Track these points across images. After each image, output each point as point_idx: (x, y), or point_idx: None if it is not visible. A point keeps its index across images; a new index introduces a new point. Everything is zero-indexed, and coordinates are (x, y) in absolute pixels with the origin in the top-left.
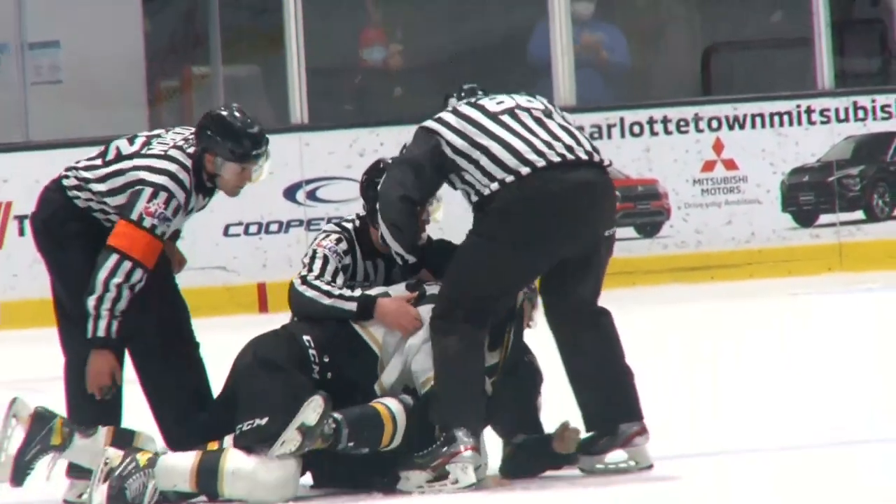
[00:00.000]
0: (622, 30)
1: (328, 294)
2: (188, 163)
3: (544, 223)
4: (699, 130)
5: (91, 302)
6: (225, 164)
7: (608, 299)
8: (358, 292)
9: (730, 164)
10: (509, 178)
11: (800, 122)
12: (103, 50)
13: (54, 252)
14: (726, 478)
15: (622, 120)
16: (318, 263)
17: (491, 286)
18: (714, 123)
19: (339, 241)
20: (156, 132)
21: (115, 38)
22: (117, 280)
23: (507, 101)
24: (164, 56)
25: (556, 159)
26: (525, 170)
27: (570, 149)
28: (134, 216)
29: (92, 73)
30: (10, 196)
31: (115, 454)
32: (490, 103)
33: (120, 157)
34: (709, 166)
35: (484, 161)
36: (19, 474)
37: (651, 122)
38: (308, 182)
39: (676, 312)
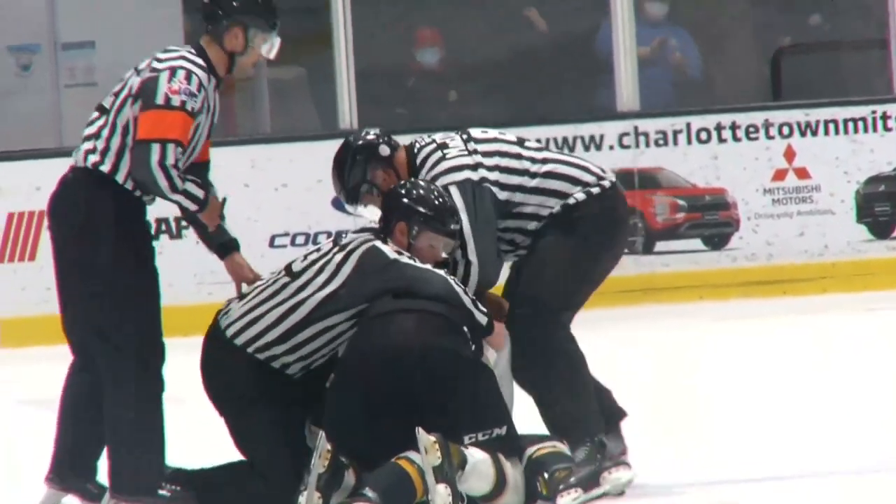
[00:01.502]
0: (690, 33)
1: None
2: (192, 50)
3: (624, 233)
4: (769, 137)
5: (173, 194)
6: (257, 35)
7: (676, 314)
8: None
9: (802, 173)
10: (594, 190)
11: (875, 129)
12: (141, 51)
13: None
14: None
15: (689, 126)
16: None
17: (583, 289)
18: (785, 130)
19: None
20: None
21: (154, 38)
22: (170, 162)
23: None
24: None
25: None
26: (606, 182)
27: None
28: (159, 101)
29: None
30: (44, 205)
31: None
32: (494, 133)
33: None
34: (780, 175)
35: (550, 183)
36: None
37: (719, 128)
38: None
39: (746, 328)
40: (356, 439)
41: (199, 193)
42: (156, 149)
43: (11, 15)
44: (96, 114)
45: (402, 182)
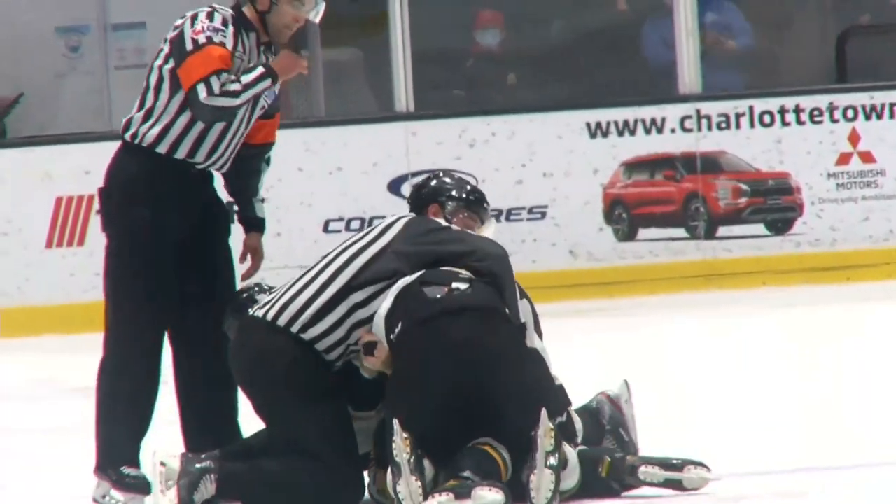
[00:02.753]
0: (749, 12)
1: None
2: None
3: None
4: (834, 120)
5: (239, 101)
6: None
7: (738, 301)
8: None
9: (866, 157)
10: None
11: None
12: None
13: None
14: (857, 491)
15: (751, 109)
16: None
17: None
18: (850, 113)
19: None
20: None
21: None
22: (217, 89)
23: None
24: None
25: None
26: None
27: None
28: (188, 46)
29: None
30: (93, 189)
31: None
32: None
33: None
34: (844, 159)
35: None
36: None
37: (783, 111)
38: (414, 174)
39: (810, 315)
40: (428, 430)
41: (260, 72)
42: (200, 89)
43: None
44: (143, 86)
45: (430, 175)
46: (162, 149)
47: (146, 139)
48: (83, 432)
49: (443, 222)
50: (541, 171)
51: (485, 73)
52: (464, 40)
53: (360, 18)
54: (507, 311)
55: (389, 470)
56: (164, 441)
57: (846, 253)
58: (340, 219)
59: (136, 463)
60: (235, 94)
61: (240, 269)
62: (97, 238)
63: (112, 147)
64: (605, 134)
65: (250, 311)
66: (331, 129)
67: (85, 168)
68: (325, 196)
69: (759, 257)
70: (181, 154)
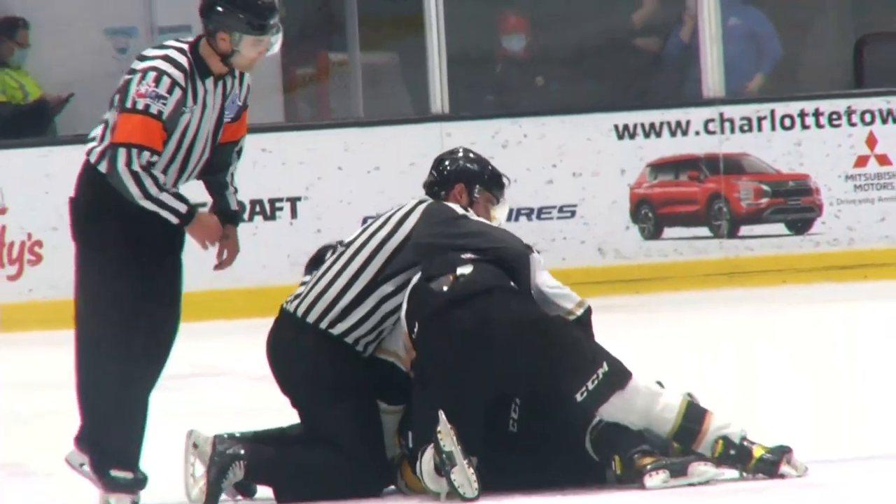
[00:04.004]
0: (771, 18)
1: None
2: (184, 46)
3: None
4: (852, 124)
5: (144, 200)
6: (243, 39)
7: (759, 298)
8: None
9: (883, 160)
10: None
11: None
12: None
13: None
14: (875, 483)
15: (773, 112)
16: None
17: None
18: (867, 117)
19: None
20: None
21: None
22: (136, 167)
23: None
24: (299, 42)
25: None
26: None
27: None
28: (128, 104)
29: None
30: None
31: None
32: None
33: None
34: (862, 161)
35: None
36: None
37: (803, 115)
38: None
39: (828, 312)
40: (465, 422)
41: (180, 206)
42: (121, 152)
43: None
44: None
45: (454, 149)
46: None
47: (98, 165)
48: None
49: (459, 209)
50: (570, 171)
51: (513, 76)
52: (495, 44)
53: (397, 22)
54: (512, 284)
55: (429, 461)
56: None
57: (863, 252)
58: (378, 217)
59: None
60: (144, 194)
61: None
62: None
63: None
64: (633, 136)
65: (287, 303)
66: (369, 129)
67: None
68: (363, 194)
69: (779, 256)
70: None
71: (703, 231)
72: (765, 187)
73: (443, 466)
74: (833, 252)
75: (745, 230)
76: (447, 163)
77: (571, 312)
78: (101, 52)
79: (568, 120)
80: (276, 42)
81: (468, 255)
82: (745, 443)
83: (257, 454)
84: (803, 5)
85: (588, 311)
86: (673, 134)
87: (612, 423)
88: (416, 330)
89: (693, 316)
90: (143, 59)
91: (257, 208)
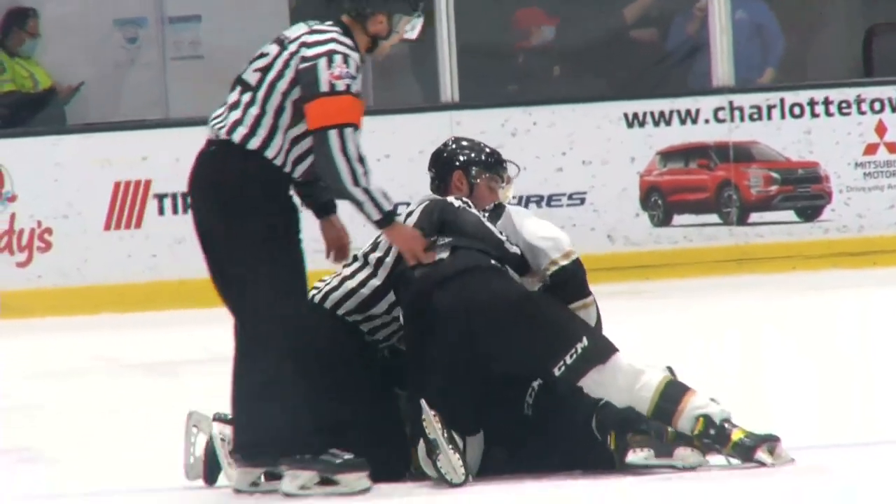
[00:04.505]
0: (779, 8)
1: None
2: (338, 28)
3: None
4: (861, 112)
5: (354, 188)
6: (401, 20)
7: (769, 284)
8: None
9: (892, 148)
10: None
11: None
12: (246, 25)
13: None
14: (880, 468)
15: (782, 101)
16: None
17: None
18: (876, 105)
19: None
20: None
21: (259, 13)
22: (352, 152)
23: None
24: None
25: None
26: None
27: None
28: (324, 88)
29: (234, 48)
30: (150, 174)
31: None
32: None
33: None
34: (871, 149)
35: None
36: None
37: (812, 103)
38: None
39: (838, 299)
40: (451, 404)
41: (385, 204)
42: (333, 135)
43: None
44: (238, 88)
45: (444, 142)
46: (278, 161)
47: (265, 151)
48: (139, 408)
49: (455, 202)
50: (580, 159)
51: (527, 65)
52: (507, 34)
53: None
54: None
55: (422, 447)
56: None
57: (872, 239)
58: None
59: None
60: (355, 181)
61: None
62: (154, 221)
63: (169, 134)
64: (642, 124)
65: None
66: (379, 118)
67: (142, 154)
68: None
69: (789, 243)
70: (288, 169)
71: (713, 218)
72: (774, 175)
73: (430, 454)
74: (842, 239)
75: (754, 217)
76: (443, 155)
77: (555, 262)
78: (110, 41)
79: (578, 108)
80: (419, 25)
81: (446, 240)
82: (727, 425)
83: None
84: None
85: (576, 263)
86: (683, 122)
87: (616, 405)
88: (401, 316)
89: (702, 302)
90: (309, 45)
91: None
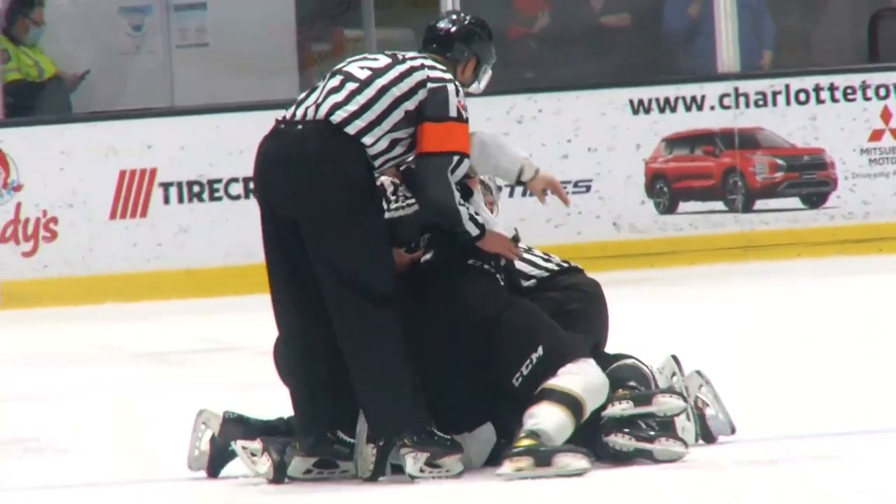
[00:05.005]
0: None
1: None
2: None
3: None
4: (866, 98)
5: (462, 209)
6: (487, 72)
7: (774, 271)
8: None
9: None
10: None
11: None
12: (252, 12)
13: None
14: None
15: (787, 87)
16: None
17: None
18: (882, 91)
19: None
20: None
21: (265, 0)
22: (459, 176)
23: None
24: (314, 19)
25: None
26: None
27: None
28: (453, 112)
29: (240, 36)
30: (155, 163)
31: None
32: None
33: (374, 76)
34: (877, 135)
35: None
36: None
37: (817, 89)
38: None
39: (843, 285)
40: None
41: (479, 217)
42: (455, 161)
43: None
44: (338, 77)
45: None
46: (372, 151)
47: (372, 148)
48: (145, 398)
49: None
50: (585, 146)
51: (530, 52)
52: (510, 19)
53: None
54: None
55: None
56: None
57: (878, 226)
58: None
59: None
60: (453, 206)
61: None
62: (159, 210)
63: (175, 122)
64: (647, 111)
65: None
66: None
67: (148, 143)
68: None
69: (794, 230)
70: (376, 164)
71: (718, 205)
72: (780, 161)
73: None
74: (848, 226)
75: (759, 204)
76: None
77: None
78: (116, 29)
79: (583, 95)
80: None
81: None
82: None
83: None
84: None
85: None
86: (688, 109)
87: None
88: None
89: (708, 289)
90: (432, 68)
91: None
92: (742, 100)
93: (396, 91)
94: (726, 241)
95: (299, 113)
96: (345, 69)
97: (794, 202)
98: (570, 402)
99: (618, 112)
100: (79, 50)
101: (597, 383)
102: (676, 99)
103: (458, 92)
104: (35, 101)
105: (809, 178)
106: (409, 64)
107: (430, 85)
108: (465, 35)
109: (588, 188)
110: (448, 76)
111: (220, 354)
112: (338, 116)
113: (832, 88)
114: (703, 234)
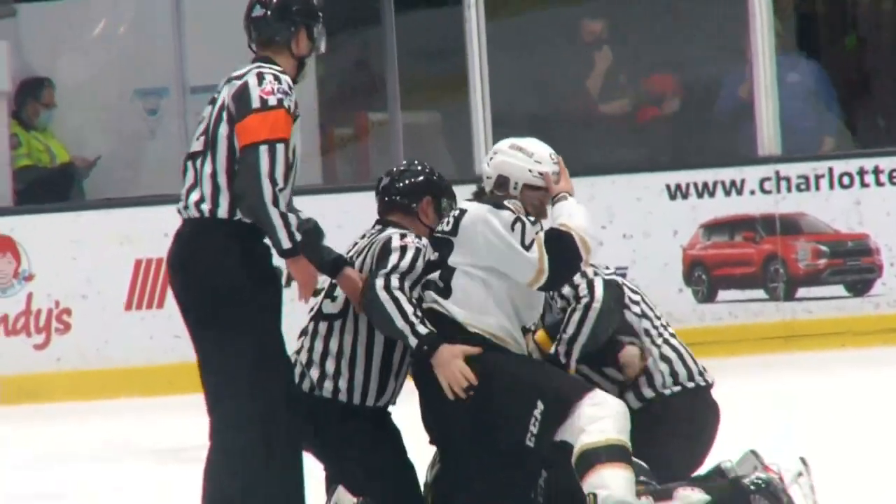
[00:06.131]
0: (829, 73)
1: (404, 315)
2: (263, 63)
3: None
4: None
5: (272, 208)
6: (321, 35)
7: (818, 362)
8: (425, 330)
9: None
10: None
11: None
12: None
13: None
14: None
15: (831, 170)
16: (406, 263)
17: None
18: None
19: (418, 237)
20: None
21: None
22: (280, 170)
23: None
24: (338, 102)
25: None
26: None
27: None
28: (255, 104)
29: None
30: None
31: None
32: None
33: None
34: None
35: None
36: None
37: (861, 172)
38: None
39: (889, 376)
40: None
41: (297, 234)
42: (264, 152)
43: (140, 58)
44: (189, 163)
45: (410, 163)
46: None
47: (235, 215)
48: (167, 498)
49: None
50: (621, 232)
51: (565, 135)
52: (541, 103)
53: (439, 81)
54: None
55: None
56: None
57: None
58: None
59: None
60: (276, 199)
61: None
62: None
63: None
64: (685, 196)
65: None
66: None
67: (164, 231)
68: None
69: (838, 318)
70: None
71: (759, 293)
72: (823, 248)
73: None
74: (894, 314)
75: (802, 292)
76: (419, 179)
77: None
78: (130, 113)
79: (618, 180)
80: (325, 35)
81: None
82: None
83: None
84: (861, 60)
85: (551, 270)
86: (727, 193)
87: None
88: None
89: (750, 381)
90: (235, 78)
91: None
92: (783, 184)
93: (223, 129)
94: (767, 330)
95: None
96: (190, 151)
97: (839, 290)
98: (620, 454)
99: (654, 197)
100: (91, 134)
101: (620, 413)
102: (715, 183)
103: (261, 80)
104: (48, 189)
105: (854, 265)
106: (220, 97)
107: (233, 92)
108: (281, 11)
109: (624, 276)
110: (252, 71)
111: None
112: (205, 209)
113: (877, 171)
114: (743, 323)
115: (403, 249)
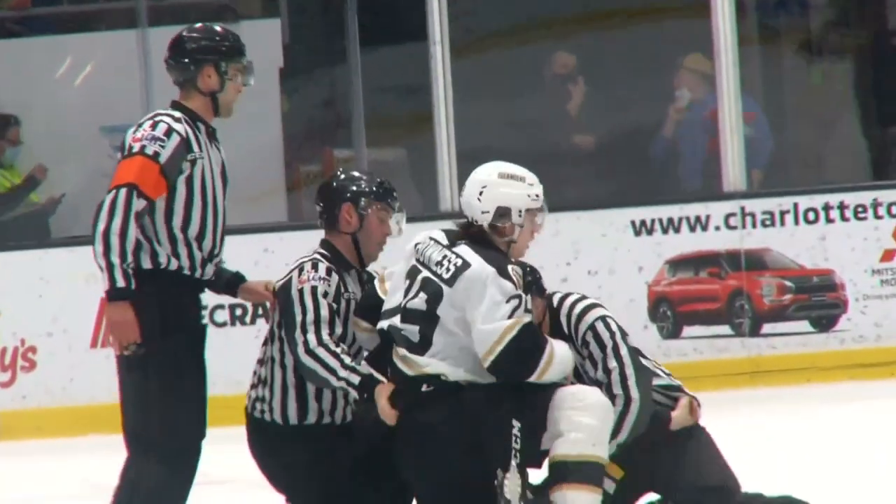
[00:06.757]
0: (792, 110)
1: (334, 374)
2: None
3: None
4: (878, 217)
5: (101, 259)
6: (231, 67)
7: (782, 398)
8: (364, 369)
9: None
10: None
11: None
12: (237, 132)
13: None
14: None
15: (796, 206)
16: (310, 313)
17: None
18: (894, 209)
19: (315, 265)
20: None
21: (251, 120)
22: (119, 217)
23: None
24: (303, 140)
25: None
26: None
27: None
28: (124, 152)
29: (225, 156)
30: None
31: None
32: None
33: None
34: (888, 255)
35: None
36: None
37: (827, 208)
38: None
39: (854, 412)
40: None
41: (121, 281)
42: (114, 195)
43: (106, 96)
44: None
45: (333, 174)
46: (180, 264)
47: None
48: None
49: (305, 277)
50: (585, 269)
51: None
52: (506, 139)
53: (405, 118)
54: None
55: None
56: None
57: (890, 349)
58: None
59: None
60: (109, 246)
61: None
62: None
63: None
64: (650, 231)
65: None
66: None
67: None
68: None
69: (803, 354)
70: (174, 266)
71: (725, 329)
72: (788, 283)
73: None
74: (859, 349)
75: (767, 328)
76: (332, 187)
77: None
78: (97, 150)
79: (583, 216)
80: (251, 68)
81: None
82: None
83: None
84: (826, 96)
85: (505, 350)
86: (692, 229)
87: None
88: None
89: (715, 417)
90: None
91: (260, 310)
92: (749, 219)
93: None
94: (733, 366)
95: None
96: None
97: (804, 325)
98: (588, 474)
99: (619, 233)
100: (58, 172)
101: (600, 416)
102: (680, 219)
103: (138, 129)
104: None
105: (819, 300)
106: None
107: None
108: (178, 52)
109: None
110: (137, 122)
111: (207, 488)
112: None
113: (842, 207)
114: (708, 359)
115: (301, 297)
